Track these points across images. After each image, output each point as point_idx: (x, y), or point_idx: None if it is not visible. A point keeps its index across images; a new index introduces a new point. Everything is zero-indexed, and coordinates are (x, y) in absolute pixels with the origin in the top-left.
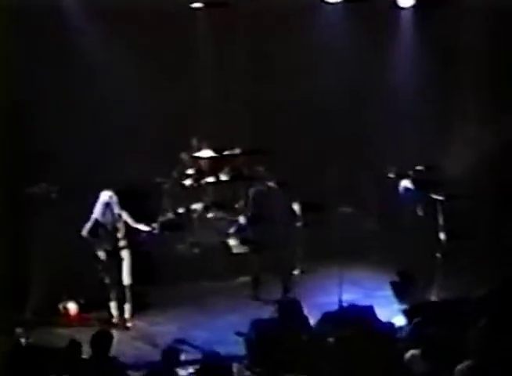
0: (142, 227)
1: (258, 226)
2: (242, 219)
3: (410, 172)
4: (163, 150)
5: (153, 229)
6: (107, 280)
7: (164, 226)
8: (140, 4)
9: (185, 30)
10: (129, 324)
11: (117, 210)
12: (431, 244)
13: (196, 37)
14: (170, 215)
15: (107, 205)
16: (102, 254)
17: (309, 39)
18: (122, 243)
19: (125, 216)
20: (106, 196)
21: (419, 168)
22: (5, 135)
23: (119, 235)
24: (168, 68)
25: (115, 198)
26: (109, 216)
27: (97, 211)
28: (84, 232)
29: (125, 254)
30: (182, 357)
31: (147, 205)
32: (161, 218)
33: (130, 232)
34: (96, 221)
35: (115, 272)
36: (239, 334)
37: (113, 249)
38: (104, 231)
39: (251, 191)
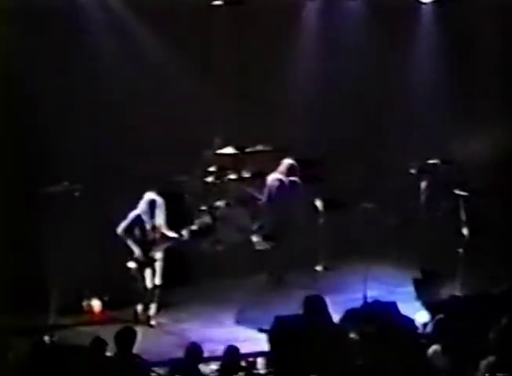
0: (171, 234)
1: (278, 222)
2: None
3: (431, 168)
4: (186, 148)
5: (181, 236)
6: (139, 280)
7: (195, 234)
8: (162, 2)
9: (208, 27)
10: (153, 322)
11: (158, 212)
12: (454, 240)
13: (218, 34)
14: (206, 220)
15: (150, 206)
16: (136, 254)
17: (330, 36)
18: (158, 244)
19: (161, 220)
20: (151, 197)
21: (438, 163)
22: (25, 133)
23: (156, 236)
24: (192, 66)
25: (161, 201)
26: (148, 217)
27: (140, 211)
28: (120, 230)
29: (159, 256)
30: (205, 354)
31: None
32: (193, 225)
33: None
34: (133, 220)
35: (147, 272)
36: (262, 330)
37: (148, 249)
38: (141, 231)
39: (269, 179)
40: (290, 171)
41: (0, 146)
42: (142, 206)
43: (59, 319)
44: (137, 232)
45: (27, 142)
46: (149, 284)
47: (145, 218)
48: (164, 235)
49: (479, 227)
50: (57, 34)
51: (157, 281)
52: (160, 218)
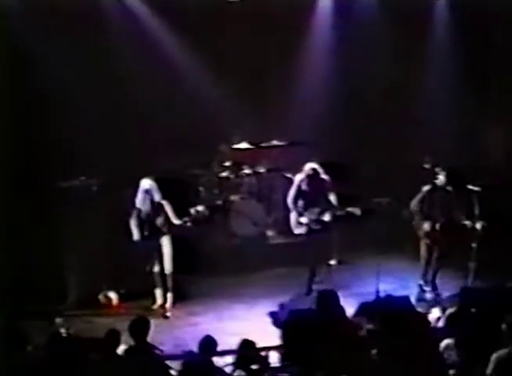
0: (177, 221)
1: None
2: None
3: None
4: (202, 142)
5: (185, 222)
6: (147, 268)
7: (196, 220)
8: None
9: (225, 24)
10: (168, 313)
11: (157, 198)
12: (467, 234)
13: (234, 31)
14: (201, 209)
15: (146, 192)
16: (139, 241)
17: (344, 34)
18: (162, 230)
19: (167, 207)
20: (145, 184)
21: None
22: (43, 129)
23: (158, 222)
24: (209, 62)
25: (154, 186)
26: (148, 203)
27: (137, 199)
28: (132, 220)
29: (165, 242)
30: (219, 347)
31: (186, 197)
32: (193, 212)
33: (170, 220)
34: (138, 208)
35: (156, 260)
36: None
37: (152, 236)
38: (144, 218)
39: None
40: (313, 176)
41: (18, 142)
42: (138, 194)
43: (76, 311)
44: (141, 219)
45: (45, 138)
46: (156, 269)
47: (144, 205)
48: (167, 220)
49: (492, 221)
50: (76, 32)
51: (168, 268)
52: (165, 205)
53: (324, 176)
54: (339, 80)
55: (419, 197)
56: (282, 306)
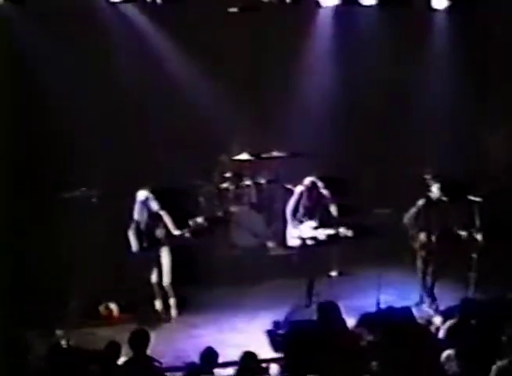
0: (176, 232)
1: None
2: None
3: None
4: (202, 153)
5: (184, 234)
6: (147, 278)
7: (195, 232)
8: (181, 8)
9: (224, 34)
10: (173, 319)
11: (155, 208)
12: (467, 245)
13: (233, 41)
14: (199, 220)
15: (143, 204)
16: (138, 252)
17: (343, 42)
18: (161, 241)
19: (165, 218)
20: (141, 195)
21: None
22: (44, 140)
23: (157, 233)
24: (209, 70)
25: (151, 196)
26: (145, 214)
27: (135, 211)
28: (130, 231)
29: (164, 253)
30: (221, 359)
31: (186, 208)
32: (192, 224)
33: (169, 231)
34: (136, 220)
35: (154, 271)
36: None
37: (152, 247)
38: (143, 229)
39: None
40: (312, 188)
41: (19, 152)
42: (136, 206)
43: (76, 323)
44: (139, 230)
45: (46, 149)
46: (154, 280)
47: (142, 216)
48: (167, 231)
49: (493, 232)
50: (79, 40)
51: (166, 280)
52: (164, 215)
53: (323, 190)
54: (340, 90)
55: (413, 211)
56: (276, 324)
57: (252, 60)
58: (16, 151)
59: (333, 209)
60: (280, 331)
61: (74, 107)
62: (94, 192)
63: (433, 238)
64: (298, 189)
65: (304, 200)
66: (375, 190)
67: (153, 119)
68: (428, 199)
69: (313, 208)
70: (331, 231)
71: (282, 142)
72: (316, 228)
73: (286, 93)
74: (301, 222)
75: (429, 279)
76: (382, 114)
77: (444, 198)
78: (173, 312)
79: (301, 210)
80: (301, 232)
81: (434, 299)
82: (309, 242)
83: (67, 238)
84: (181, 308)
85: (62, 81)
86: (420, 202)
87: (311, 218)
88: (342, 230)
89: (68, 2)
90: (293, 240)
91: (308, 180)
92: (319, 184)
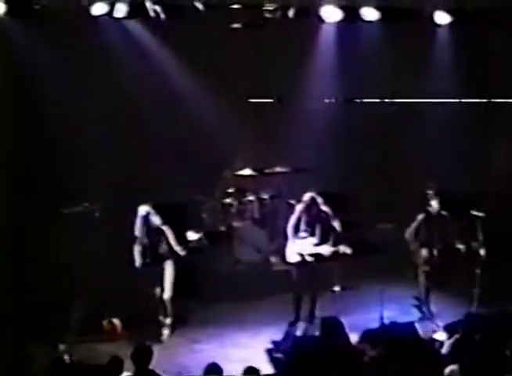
0: (177, 248)
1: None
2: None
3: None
4: (205, 168)
5: (184, 249)
6: (151, 293)
7: (195, 248)
8: (184, 24)
9: (226, 50)
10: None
11: (156, 223)
12: (470, 260)
13: (236, 57)
14: (196, 237)
15: (144, 219)
16: (141, 267)
17: (347, 57)
18: (164, 256)
19: (168, 233)
20: (142, 210)
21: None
22: (47, 155)
23: (160, 248)
24: (212, 86)
25: (152, 211)
26: (147, 230)
27: (136, 226)
28: (135, 247)
29: (167, 267)
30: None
31: (188, 223)
32: (192, 240)
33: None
34: (138, 236)
35: (157, 285)
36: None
37: (155, 262)
38: (146, 244)
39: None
40: (311, 205)
41: (23, 167)
42: (137, 221)
43: (79, 338)
44: (142, 245)
45: (49, 164)
46: (158, 294)
47: (143, 231)
48: (169, 246)
49: (495, 247)
50: (81, 55)
51: (167, 294)
52: (166, 231)
53: (323, 206)
54: (342, 106)
55: (414, 225)
56: (275, 343)
57: (255, 76)
58: (15, 159)
59: (337, 225)
60: (282, 347)
61: (81, 126)
62: (96, 206)
63: (435, 253)
64: (299, 206)
65: (304, 217)
66: (377, 206)
67: (157, 134)
68: (428, 213)
69: (313, 224)
70: (331, 248)
71: (285, 157)
72: (317, 245)
73: (288, 109)
74: (302, 238)
75: (431, 293)
76: (384, 130)
77: (443, 212)
78: (165, 332)
79: (302, 226)
80: (301, 248)
81: (431, 314)
82: (309, 258)
83: (69, 252)
84: (183, 323)
85: (68, 98)
86: (420, 216)
87: (311, 234)
88: (342, 248)
89: (70, 18)
90: (293, 256)
91: (307, 196)
92: (319, 200)
